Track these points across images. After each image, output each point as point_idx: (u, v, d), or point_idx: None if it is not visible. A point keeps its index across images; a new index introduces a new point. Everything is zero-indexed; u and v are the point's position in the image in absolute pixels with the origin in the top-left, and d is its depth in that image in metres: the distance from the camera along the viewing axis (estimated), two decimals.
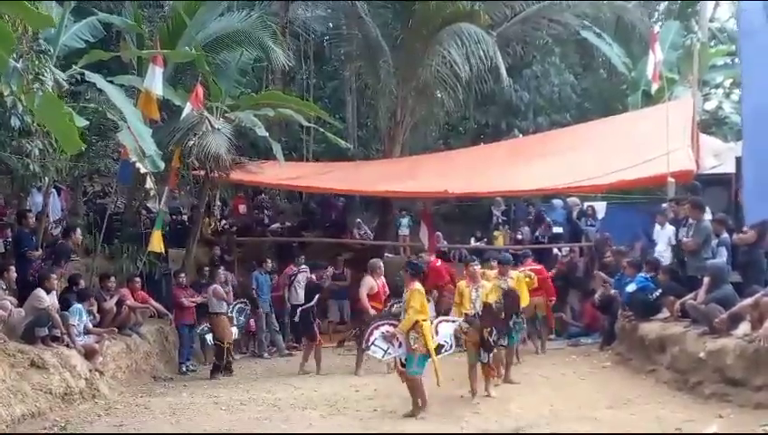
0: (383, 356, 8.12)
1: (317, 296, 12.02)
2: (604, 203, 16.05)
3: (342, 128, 20.07)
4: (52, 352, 8.48)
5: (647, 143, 12.77)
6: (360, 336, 9.82)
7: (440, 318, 8.76)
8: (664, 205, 11.63)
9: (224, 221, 16.95)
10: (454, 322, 8.49)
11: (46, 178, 10.19)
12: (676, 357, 8.68)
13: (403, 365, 7.86)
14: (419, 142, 20.55)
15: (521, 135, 19.40)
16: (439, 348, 7.95)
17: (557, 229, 15.40)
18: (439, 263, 13.62)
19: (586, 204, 15.68)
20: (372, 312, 10.20)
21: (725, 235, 9.59)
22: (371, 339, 8.01)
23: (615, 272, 12.01)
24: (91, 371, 8.95)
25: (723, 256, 9.33)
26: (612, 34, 20.65)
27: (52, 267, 9.69)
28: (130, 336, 10.78)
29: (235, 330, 11.73)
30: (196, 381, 10.98)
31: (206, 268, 13.02)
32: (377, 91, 17.26)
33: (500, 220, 17.38)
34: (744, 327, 7.77)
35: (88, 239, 11.75)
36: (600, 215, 15.45)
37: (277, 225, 17.41)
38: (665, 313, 9.90)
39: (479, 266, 9.11)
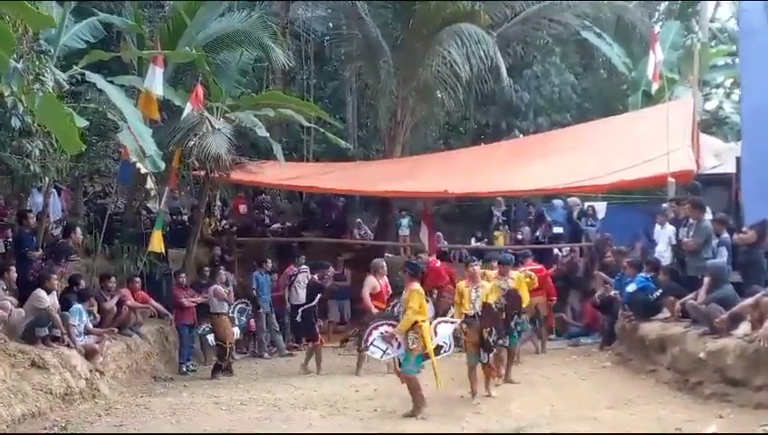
0: (381, 356, 8.12)
1: (319, 296, 12.03)
2: (604, 203, 16.06)
3: (343, 128, 20.07)
4: (53, 352, 8.47)
5: (647, 143, 12.78)
6: (359, 336, 9.82)
7: (439, 319, 8.75)
8: (664, 205, 11.62)
9: (224, 221, 16.95)
10: (453, 323, 8.48)
11: (47, 178, 10.20)
12: (676, 357, 8.68)
13: (401, 365, 7.86)
14: (420, 142, 20.56)
15: (521, 135, 19.43)
16: (438, 349, 7.95)
17: (557, 229, 15.41)
18: (438, 263, 13.61)
19: (586, 204, 15.69)
20: (375, 311, 10.19)
21: (726, 235, 9.59)
22: (370, 339, 8.01)
23: (615, 272, 12.02)
24: (91, 371, 8.95)
25: (723, 256, 9.33)
26: (613, 34, 20.65)
27: (52, 267, 9.69)
28: (131, 336, 10.78)
29: (236, 330, 11.73)
30: (197, 382, 10.98)
31: (207, 268, 13.02)
32: (377, 92, 17.26)
33: (500, 220, 17.38)
34: (744, 327, 7.78)
35: (88, 239, 11.74)
36: (601, 215, 15.46)
37: (277, 225, 17.41)
38: (665, 313, 9.90)
39: (479, 267, 9.10)
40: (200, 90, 12.03)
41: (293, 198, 20.75)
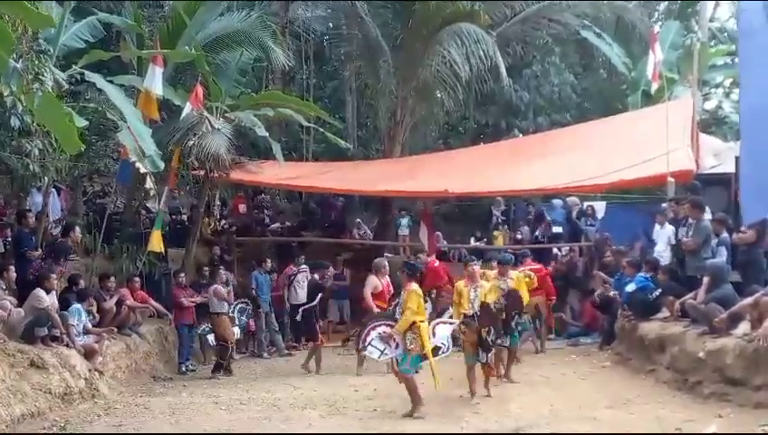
0: (379, 357, 8.13)
1: (320, 296, 12.04)
2: (604, 203, 16.06)
3: (342, 128, 20.06)
4: (52, 351, 8.47)
5: (646, 143, 12.78)
6: (359, 336, 9.82)
7: (437, 320, 8.74)
8: (664, 204, 11.63)
9: (223, 221, 16.94)
10: (451, 324, 8.46)
11: (46, 177, 10.18)
12: (675, 357, 8.68)
13: (398, 364, 7.86)
14: (419, 142, 20.56)
15: (521, 135, 19.42)
16: (436, 350, 7.94)
17: (557, 229, 15.41)
18: (437, 263, 13.62)
19: (586, 204, 15.69)
20: (377, 311, 10.19)
21: (725, 234, 9.59)
22: (368, 339, 8.01)
23: (615, 272, 12.02)
24: (90, 371, 8.95)
25: (722, 256, 9.33)
26: (612, 34, 20.67)
27: (51, 266, 9.69)
28: (130, 336, 10.78)
29: (236, 330, 11.73)
30: (196, 381, 10.98)
31: (206, 268, 13.04)
32: (377, 91, 17.26)
33: (500, 220, 17.38)
34: (743, 327, 7.78)
35: (87, 239, 11.74)
36: (600, 214, 15.46)
37: (277, 225, 17.41)
38: (664, 312, 9.91)
39: (478, 266, 9.10)
40: (200, 89, 12.04)
41: (293, 197, 20.75)
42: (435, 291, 12.66)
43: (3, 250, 10.43)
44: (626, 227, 13.42)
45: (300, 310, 12.07)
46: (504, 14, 17.56)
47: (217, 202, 17.13)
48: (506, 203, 17.71)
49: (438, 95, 17.51)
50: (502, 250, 13.12)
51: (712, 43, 22.04)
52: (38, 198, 11.63)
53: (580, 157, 14.03)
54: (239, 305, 12.04)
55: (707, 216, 9.96)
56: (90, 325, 9.78)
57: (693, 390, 8.04)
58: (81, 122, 8.59)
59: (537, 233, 15.75)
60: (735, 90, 21.54)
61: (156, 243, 11.73)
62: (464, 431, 7.13)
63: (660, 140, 11.72)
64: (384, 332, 7.94)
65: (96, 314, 10.16)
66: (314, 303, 11.83)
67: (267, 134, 12.93)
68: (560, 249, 15.10)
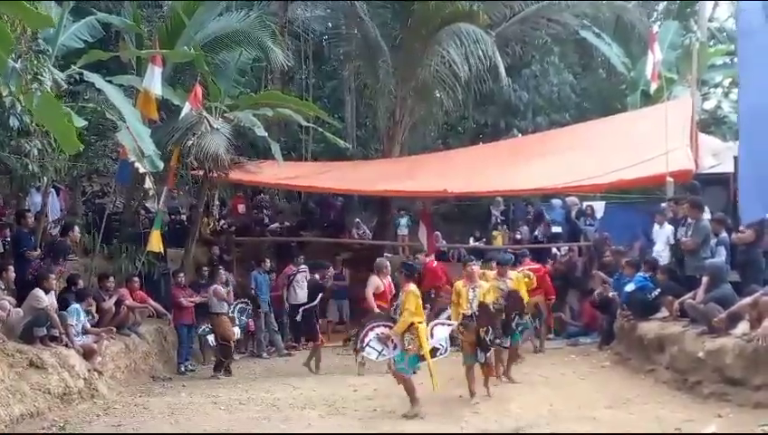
0: (377, 358, 8.12)
1: (320, 296, 12.04)
2: (603, 202, 16.07)
3: (341, 128, 20.07)
4: (51, 352, 8.47)
5: (646, 143, 12.79)
6: (357, 336, 9.82)
7: (435, 321, 8.72)
8: (663, 204, 11.63)
9: (222, 221, 16.93)
10: (449, 325, 8.45)
11: (45, 177, 10.18)
12: (675, 357, 8.68)
13: (395, 363, 7.87)
14: (418, 142, 20.56)
15: (520, 135, 19.41)
16: (434, 351, 7.93)
17: (556, 229, 15.42)
18: (435, 264, 13.61)
19: (585, 203, 15.70)
20: (377, 310, 10.18)
21: (724, 234, 9.60)
22: (366, 340, 8.01)
23: (614, 271, 12.02)
24: (89, 371, 8.94)
25: (722, 256, 9.34)
26: (611, 34, 20.68)
27: (50, 266, 9.69)
28: (129, 336, 10.77)
29: (237, 330, 11.73)
30: (195, 381, 10.97)
31: (205, 268, 13.03)
32: (376, 91, 17.27)
33: (499, 220, 17.40)
34: (742, 326, 7.78)
35: (87, 239, 11.73)
36: (599, 214, 15.48)
37: (276, 224, 17.41)
38: (664, 312, 9.91)
39: (477, 266, 9.09)
40: (199, 89, 12.04)
41: (292, 197, 20.75)
42: (433, 291, 12.65)
43: (2, 250, 10.41)
44: (625, 226, 13.43)
45: (300, 310, 12.06)
46: (503, 14, 17.57)
47: (216, 202, 17.12)
48: (505, 203, 17.73)
49: (437, 95, 17.51)
50: (501, 250, 13.11)
51: (711, 43, 22.06)
52: (37, 197, 11.63)
53: (579, 157, 14.03)
54: (239, 305, 12.03)
55: (706, 215, 9.96)
56: (88, 325, 9.78)
57: (692, 389, 8.04)
58: (80, 122, 8.58)
59: (536, 233, 15.75)
60: (734, 90, 21.55)
61: (155, 243, 11.73)
62: (463, 431, 7.12)
63: (659, 139, 11.72)
64: (382, 333, 7.93)
65: (95, 314, 10.15)
66: (315, 303, 11.83)
67: (266, 134, 12.92)
68: (559, 249, 15.10)
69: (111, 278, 10.97)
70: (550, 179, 13.64)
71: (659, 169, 11.66)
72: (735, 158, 11.46)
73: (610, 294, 11.66)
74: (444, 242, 16.91)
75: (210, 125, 11.89)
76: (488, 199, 17.59)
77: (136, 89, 11.49)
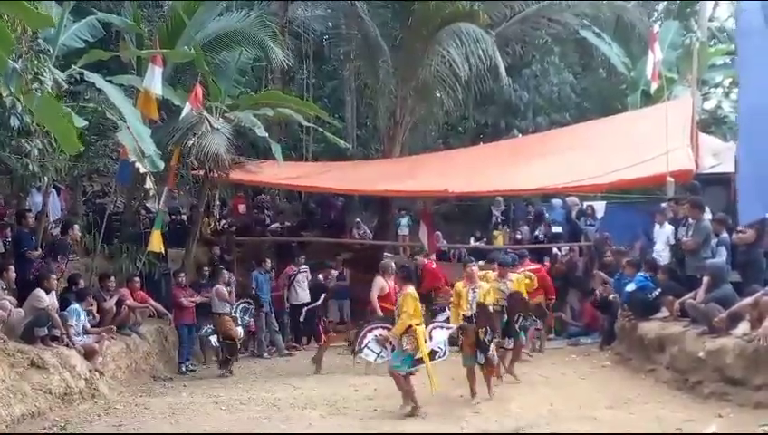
0: (375, 359, 8.14)
1: (323, 296, 12.03)
2: (603, 202, 16.06)
3: (342, 127, 20.07)
4: (52, 352, 8.47)
5: (646, 143, 12.78)
6: (355, 338, 9.83)
7: (434, 324, 8.72)
8: (663, 204, 11.62)
9: (223, 221, 16.95)
10: (448, 328, 8.43)
11: (45, 177, 10.17)
12: (675, 357, 8.68)
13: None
14: (419, 142, 20.56)
15: (520, 135, 19.40)
16: (433, 354, 7.93)
17: (556, 229, 15.40)
18: (434, 265, 13.60)
19: (585, 203, 15.70)
20: (380, 314, 10.19)
21: (725, 234, 9.59)
22: (364, 342, 8.02)
23: (614, 271, 12.02)
24: (90, 371, 8.95)
25: (722, 256, 9.33)
26: (612, 34, 20.66)
27: (50, 266, 9.69)
28: (130, 336, 10.78)
29: (239, 330, 11.73)
30: (196, 381, 10.98)
31: (206, 268, 13.03)
32: (376, 91, 17.26)
33: (499, 220, 17.39)
34: (743, 327, 7.78)
35: (87, 239, 11.74)
36: (600, 214, 15.47)
37: (276, 225, 17.41)
38: (664, 312, 9.91)
39: (477, 267, 9.07)
40: (199, 89, 12.03)
41: (293, 197, 20.75)
42: (432, 292, 12.65)
43: (3, 250, 10.43)
44: (625, 226, 13.42)
45: (304, 310, 12.07)
46: (503, 14, 17.55)
47: (217, 202, 17.15)
48: (506, 203, 17.72)
49: (438, 95, 17.50)
50: (502, 250, 13.11)
51: (711, 43, 22.05)
52: (38, 197, 11.63)
53: (579, 157, 14.02)
54: (242, 305, 12.04)
55: (707, 215, 9.96)
56: (89, 325, 9.78)
57: (693, 389, 8.05)
58: (81, 122, 8.59)
59: (537, 233, 15.74)
60: (735, 89, 21.52)
61: (156, 243, 11.73)
62: (464, 431, 7.13)
63: (660, 139, 11.72)
64: (380, 334, 7.95)
65: (96, 315, 10.16)
66: (318, 303, 11.85)
67: (267, 134, 12.93)
68: (559, 249, 15.10)
69: (112, 278, 10.98)
70: (550, 179, 13.63)
71: (660, 169, 11.66)
72: (736, 157, 11.45)
73: (611, 297, 11.64)
74: (444, 242, 16.91)
75: (211, 125, 11.89)
76: (489, 199, 17.59)
77: (136, 89, 11.49)
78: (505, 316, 9.31)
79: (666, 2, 24.63)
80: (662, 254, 10.92)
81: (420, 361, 7.79)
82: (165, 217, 12.94)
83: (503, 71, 16.08)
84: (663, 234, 11.13)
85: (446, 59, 16.16)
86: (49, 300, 8.81)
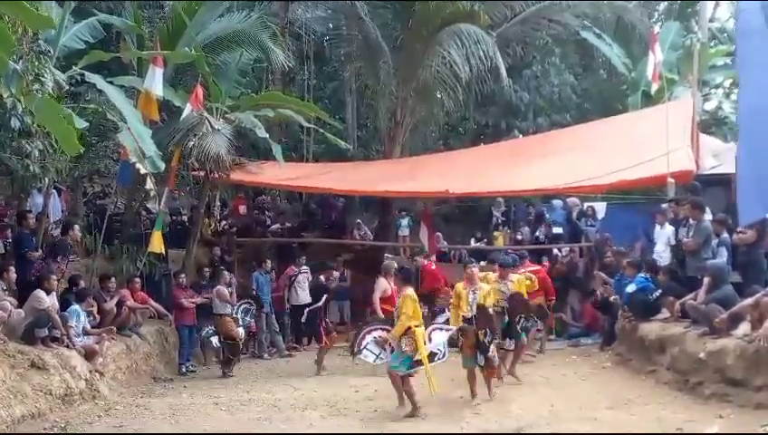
0: (374, 360, 8.15)
1: (325, 297, 12.05)
2: (604, 203, 16.05)
3: (342, 128, 20.08)
4: (52, 352, 8.47)
5: (647, 143, 12.77)
6: (354, 339, 9.83)
7: (433, 326, 8.72)
8: (664, 205, 11.62)
9: (224, 222, 16.96)
10: (448, 330, 8.43)
11: (46, 178, 10.17)
12: (676, 357, 8.68)
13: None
14: (419, 143, 20.57)
15: (521, 135, 19.42)
16: (432, 356, 7.93)
17: (557, 230, 15.39)
18: (434, 266, 13.59)
19: (586, 204, 15.68)
20: (381, 315, 10.19)
21: (725, 235, 9.58)
22: (363, 343, 8.03)
23: (615, 272, 12.02)
24: (91, 371, 8.95)
25: (723, 257, 9.33)
26: (612, 35, 20.66)
27: (51, 266, 9.70)
28: (130, 337, 10.78)
29: (240, 330, 11.73)
30: (196, 382, 10.98)
31: (206, 269, 13.02)
32: (377, 92, 17.26)
33: (500, 221, 17.39)
34: (744, 327, 7.77)
35: (88, 240, 11.75)
36: (600, 215, 15.45)
37: (277, 225, 17.42)
38: (665, 313, 9.90)
39: (477, 268, 9.07)
40: (200, 90, 12.04)
41: (293, 198, 20.76)
42: (432, 293, 12.65)
43: (3, 251, 10.45)
44: (626, 227, 13.42)
45: (306, 311, 12.08)
46: (503, 15, 17.53)
47: (218, 203, 17.16)
48: (506, 204, 17.71)
49: (438, 96, 17.50)
50: (503, 251, 13.11)
51: (712, 44, 22.03)
52: (38, 199, 11.63)
53: (580, 157, 14.02)
54: (243, 306, 12.03)
55: (708, 216, 9.96)
56: (89, 326, 9.78)
57: (694, 390, 8.04)
58: (81, 123, 8.59)
59: (537, 234, 15.74)
60: (735, 90, 21.47)
61: (156, 244, 11.73)
62: (464, 432, 7.13)
63: (660, 140, 11.71)
64: (379, 336, 7.95)
65: (96, 315, 10.16)
66: (320, 304, 11.86)
67: (267, 135, 12.93)
68: (560, 250, 15.09)
69: (113, 279, 10.98)
70: (551, 180, 13.62)
71: (660, 170, 11.65)
72: (737, 158, 11.45)
73: (612, 299, 11.64)
74: (445, 243, 16.91)
75: (211, 126, 11.90)
76: (489, 200, 17.58)
77: (137, 90, 11.50)
78: (506, 317, 9.30)
79: (666, 2, 24.62)
80: (663, 255, 10.92)
81: (419, 362, 7.79)
82: (165, 218, 12.94)
83: (503, 71, 16.08)
84: (663, 235, 11.13)
85: (447, 60, 16.16)
86: (49, 301, 8.82)
